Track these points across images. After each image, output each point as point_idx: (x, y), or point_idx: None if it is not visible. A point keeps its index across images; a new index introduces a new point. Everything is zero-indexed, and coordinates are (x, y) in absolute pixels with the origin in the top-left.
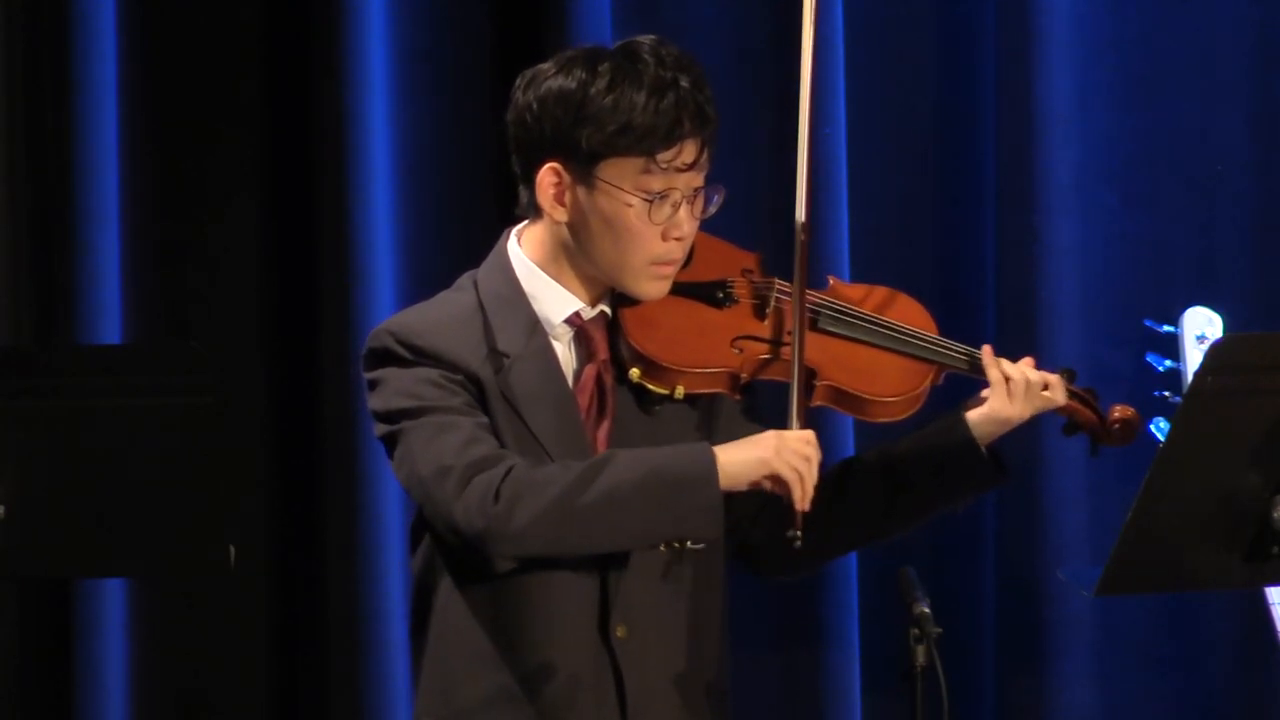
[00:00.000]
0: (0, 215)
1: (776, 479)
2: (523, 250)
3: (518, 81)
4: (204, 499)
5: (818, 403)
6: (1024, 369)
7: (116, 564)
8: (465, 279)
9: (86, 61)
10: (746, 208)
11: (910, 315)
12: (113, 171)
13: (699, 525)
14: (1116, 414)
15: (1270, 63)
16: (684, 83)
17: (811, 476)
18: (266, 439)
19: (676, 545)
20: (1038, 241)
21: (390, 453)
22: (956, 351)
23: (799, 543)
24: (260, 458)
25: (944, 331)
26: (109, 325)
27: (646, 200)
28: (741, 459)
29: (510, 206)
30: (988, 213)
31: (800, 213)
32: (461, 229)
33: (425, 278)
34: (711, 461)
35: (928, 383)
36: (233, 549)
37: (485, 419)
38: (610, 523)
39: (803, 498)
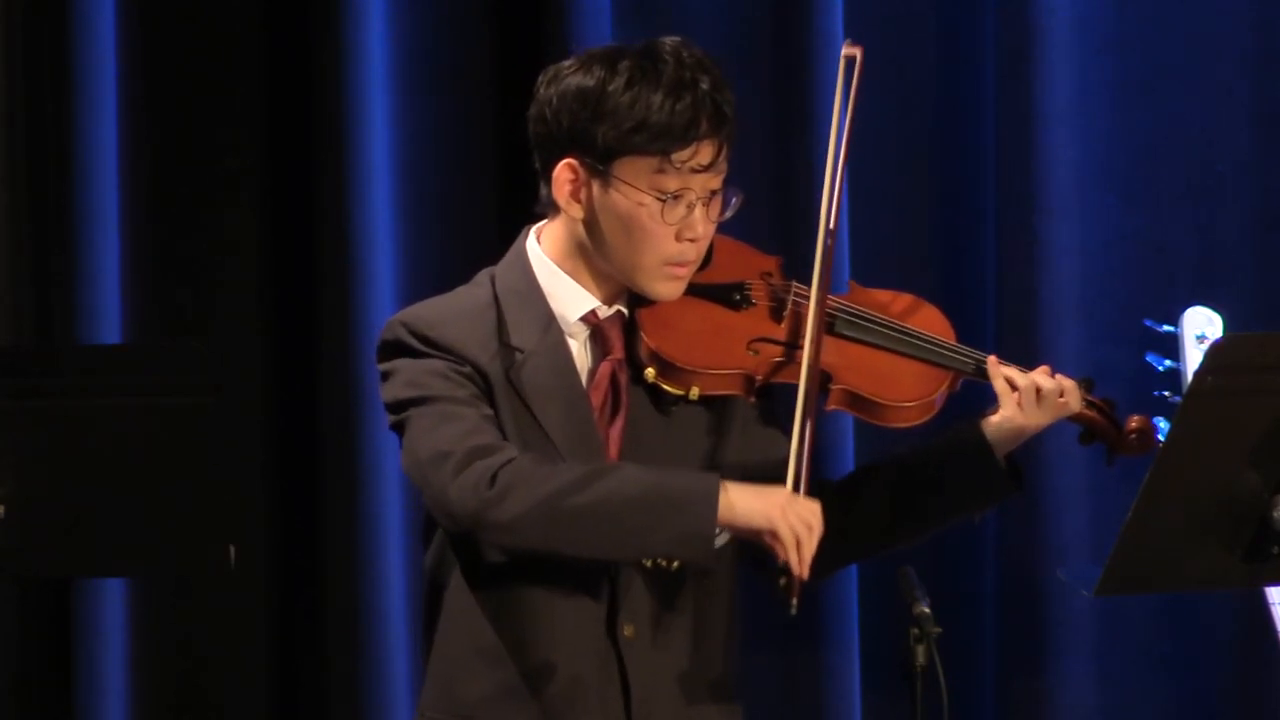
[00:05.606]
0: (0, 215)
1: (775, 536)
2: (541, 247)
3: (540, 78)
4: (204, 499)
5: (833, 407)
6: (1035, 377)
7: (116, 564)
8: (483, 275)
9: (86, 61)
10: (743, 206)
11: (929, 322)
12: (113, 171)
13: (687, 548)
14: (1134, 424)
15: (1270, 63)
16: (703, 84)
17: (810, 545)
18: (266, 439)
19: (663, 563)
20: (1038, 241)
21: (401, 443)
22: (975, 359)
23: (795, 612)
24: (260, 458)
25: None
26: (109, 325)
27: (660, 200)
28: (747, 502)
29: (510, 207)
30: (988, 213)
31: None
32: (461, 229)
33: (425, 277)
34: (716, 491)
35: (943, 389)
36: (233, 549)
37: (490, 411)
38: (599, 528)
39: (799, 563)
